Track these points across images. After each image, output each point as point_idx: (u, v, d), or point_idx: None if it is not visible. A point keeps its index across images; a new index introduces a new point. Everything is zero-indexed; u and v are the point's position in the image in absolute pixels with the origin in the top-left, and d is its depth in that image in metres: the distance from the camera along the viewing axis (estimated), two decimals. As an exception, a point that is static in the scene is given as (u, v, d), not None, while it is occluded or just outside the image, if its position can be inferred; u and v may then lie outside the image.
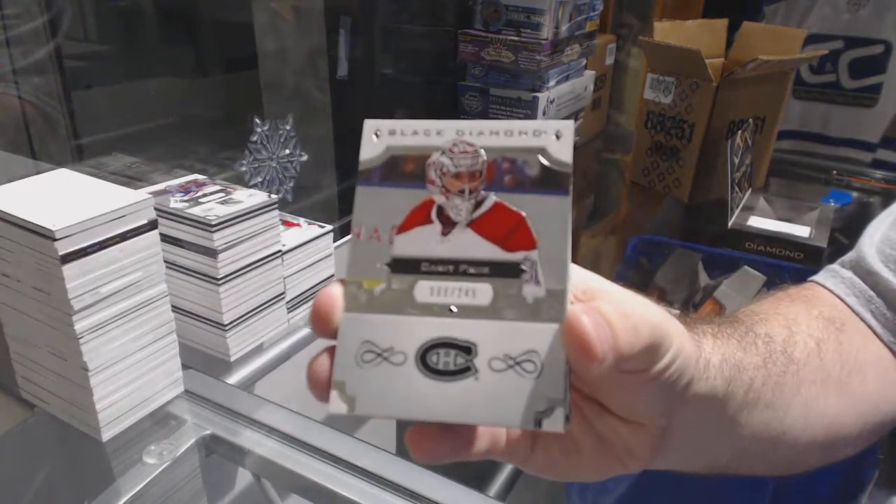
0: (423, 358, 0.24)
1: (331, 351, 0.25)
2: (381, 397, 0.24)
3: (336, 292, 0.25)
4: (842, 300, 0.45)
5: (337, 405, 0.24)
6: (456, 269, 0.25)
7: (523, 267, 0.24)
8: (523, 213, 0.24)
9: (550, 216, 0.24)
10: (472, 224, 0.25)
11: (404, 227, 0.25)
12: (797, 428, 0.37)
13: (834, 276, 0.47)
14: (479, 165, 0.25)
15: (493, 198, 0.25)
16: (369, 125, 0.26)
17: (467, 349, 0.24)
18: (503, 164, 0.25)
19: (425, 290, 0.25)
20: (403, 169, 0.26)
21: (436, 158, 0.25)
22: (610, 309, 0.23)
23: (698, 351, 0.28)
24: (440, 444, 0.24)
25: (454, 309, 0.24)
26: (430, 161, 0.25)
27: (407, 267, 0.25)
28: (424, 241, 0.25)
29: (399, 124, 0.26)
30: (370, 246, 0.25)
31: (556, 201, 0.24)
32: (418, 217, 0.25)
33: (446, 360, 0.24)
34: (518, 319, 0.24)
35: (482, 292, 0.24)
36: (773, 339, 0.37)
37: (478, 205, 0.25)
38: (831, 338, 0.41)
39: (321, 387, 0.24)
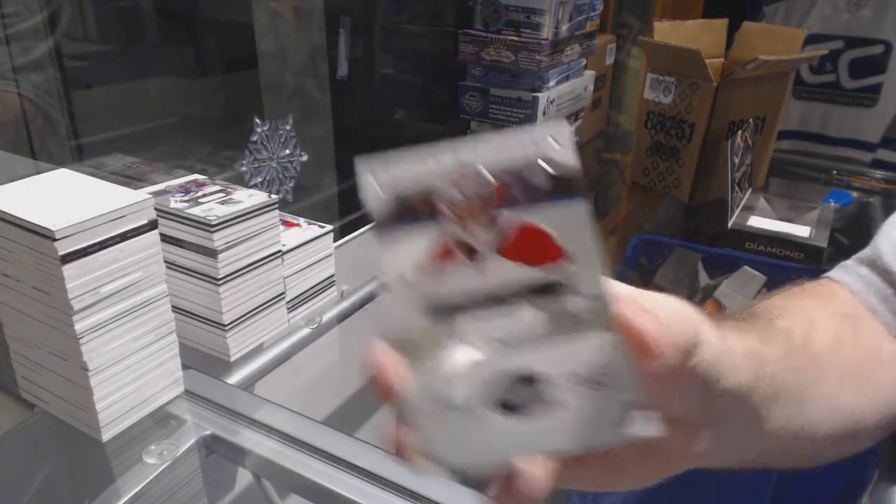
0: (494, 398, 0.23)
1: (397, 415, 0.23)
2: (470, 449, 0.23)
3: (386, 358, 0.23)
4: (858, 297, 0.45)
5: (429, 470, 0.23)
6: (493, 299, 0.24)
7: (559, 280, 0.23)
8: (544, 227, 0.24)
9: (571, 223, 0.24)
10: (498, 250, 0.24)
11: (430, 268, 0.24)
12: (817, 422, 0.38)
13: (849, 273, 0.47)
14: (489, 189, 0.24)
15: (510, 217, 0.24)
16: (363, 166, 0.24)
17: (533, 378, 0.23)
18: (510, 181, 0.24)
19: (470, 328, 0.24)
20: (413, 207, 0.24)
21: (443, 191, 0.24)
22: (652, 307, 0.24)
23: (725, 345, 0.29)
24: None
25: (504, 340, 0.23)
26: (437, 195, 0.24)
27: (445, 309, 0.24)
28: (454, 278, 0.24)
29: (393, 158, 0.25)
30: (401, 295, 0.24)
31: (572, 206, 0.24)
32: (441, 254, 0.24)
33: (516, 394, 0.23)
34: (571, 334, 0.23)
35: (527, 316, 0.23)
36: (793, 334, 0.38)
37: (497, 229, 0.24)
38: (848, 334, 0.42)
39: (404, 454, 0.23)
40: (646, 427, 0.22)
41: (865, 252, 0.48)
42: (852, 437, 0.41)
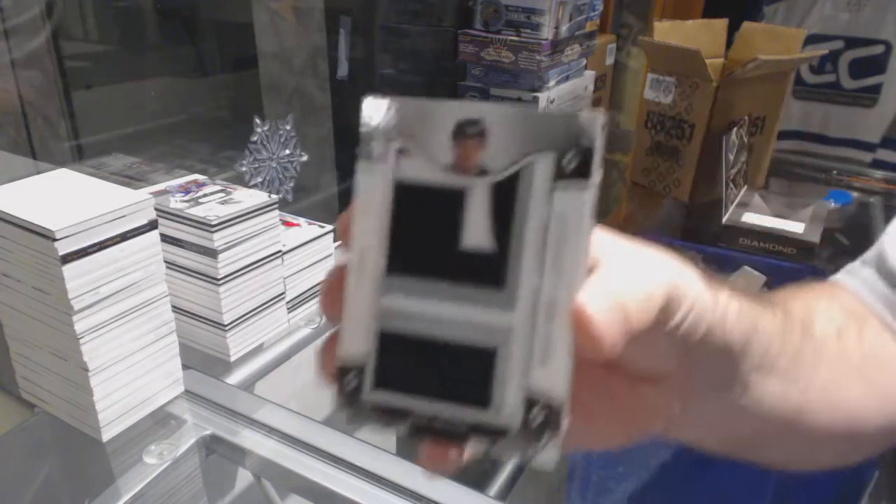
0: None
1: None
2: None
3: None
4: (862, 300, 0.44)
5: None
6: None
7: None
8: None
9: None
10: None
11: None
12: (816, 410, 0.36)
13: (854, 276, 0.46)
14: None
15: None
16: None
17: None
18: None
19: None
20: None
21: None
22: (619, 277, 0.22)
23: (715, 300, 0.27)
24: (451, 459, 0.23)
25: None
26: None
27: None
28: None
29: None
30: None
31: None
32: None
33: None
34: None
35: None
36: (792, 315, 0.36)
37: None
38: (852, 328, 0.40)
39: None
40: (548, 457, 0.21)
41: (870, 253, 0.47)
42: (854, 439, 0.40)
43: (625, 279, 0.23)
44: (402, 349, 0.22)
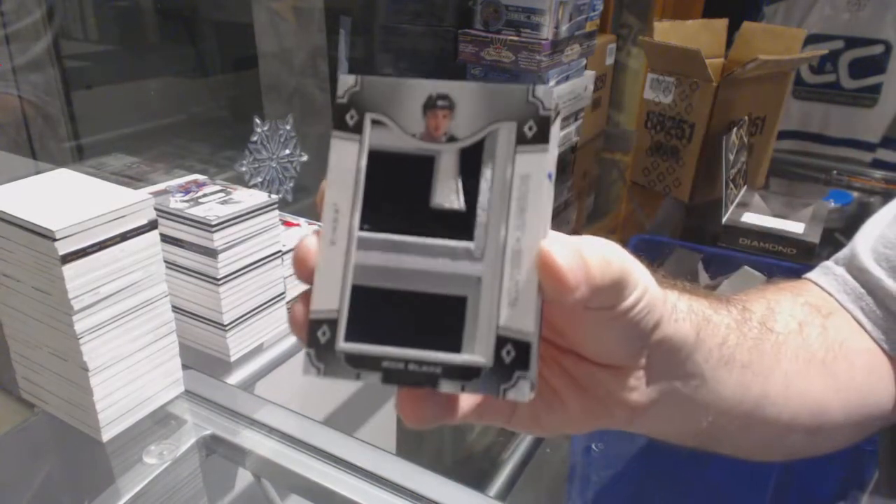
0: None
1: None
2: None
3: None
4: (831, 296, 0.45)
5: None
6: None
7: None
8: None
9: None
10: None
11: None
12: (778, 402, 0.37)
13: (826, 273, 0.47)
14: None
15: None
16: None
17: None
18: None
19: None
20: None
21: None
22: (580, 240, 0.24)
23: (664, 294, 0.28)
24: (427, 408, 0.24)
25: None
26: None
27: None
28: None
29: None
30: None
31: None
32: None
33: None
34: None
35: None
36: (751, 311, 0.37)
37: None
38: (816, 322, 0.41)
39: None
40: (520, 391, 0.22)
41: (844, 252, 0.47)
42: (821, 431, 0.40)
43: (584, 243, 0.24)
44: (374, 302, 0.23)
